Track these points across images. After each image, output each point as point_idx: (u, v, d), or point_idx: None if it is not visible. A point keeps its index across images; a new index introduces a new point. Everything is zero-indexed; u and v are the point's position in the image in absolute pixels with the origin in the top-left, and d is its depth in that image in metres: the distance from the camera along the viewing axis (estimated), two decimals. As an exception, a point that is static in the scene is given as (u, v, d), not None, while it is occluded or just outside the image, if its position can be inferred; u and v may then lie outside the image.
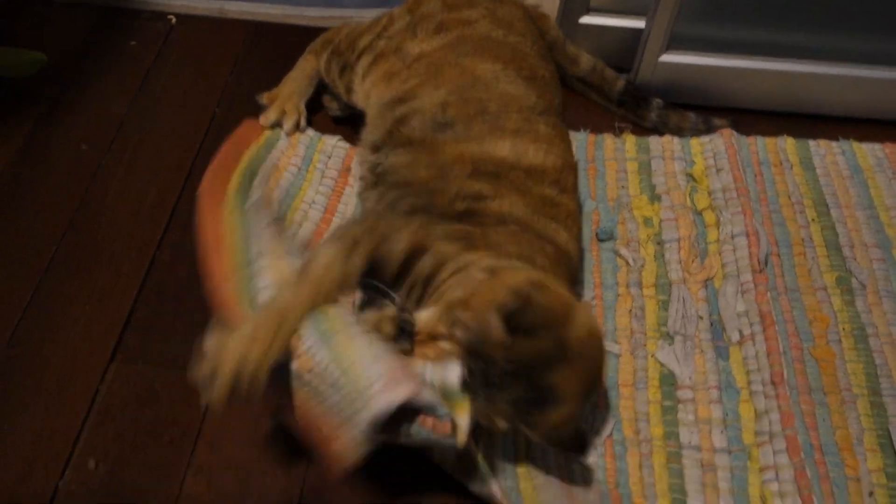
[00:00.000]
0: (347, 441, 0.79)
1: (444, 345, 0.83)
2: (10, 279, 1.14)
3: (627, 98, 1.36)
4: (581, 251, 1.06)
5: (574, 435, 0.87)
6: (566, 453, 0.90)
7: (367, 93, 1.18)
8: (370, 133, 1.14)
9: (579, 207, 1.09)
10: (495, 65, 1.11)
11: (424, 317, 0.85)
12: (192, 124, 1.36)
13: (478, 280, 0.84)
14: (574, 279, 1.03)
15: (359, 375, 0.78)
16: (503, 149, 1.02)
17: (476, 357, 0.80)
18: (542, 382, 0.80)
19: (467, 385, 0.81)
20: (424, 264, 0.89)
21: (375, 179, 1.09)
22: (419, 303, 0.90)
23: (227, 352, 0.78)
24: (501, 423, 0.83)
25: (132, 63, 1.46)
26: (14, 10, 1.54)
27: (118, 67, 1.45)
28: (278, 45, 1.48)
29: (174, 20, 1.54)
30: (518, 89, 1.10)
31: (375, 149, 1.11)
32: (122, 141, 1.33)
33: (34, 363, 1.06)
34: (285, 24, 1.53)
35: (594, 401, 1.01)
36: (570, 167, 1.09)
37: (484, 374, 0.79)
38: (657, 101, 1.35)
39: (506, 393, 0.80)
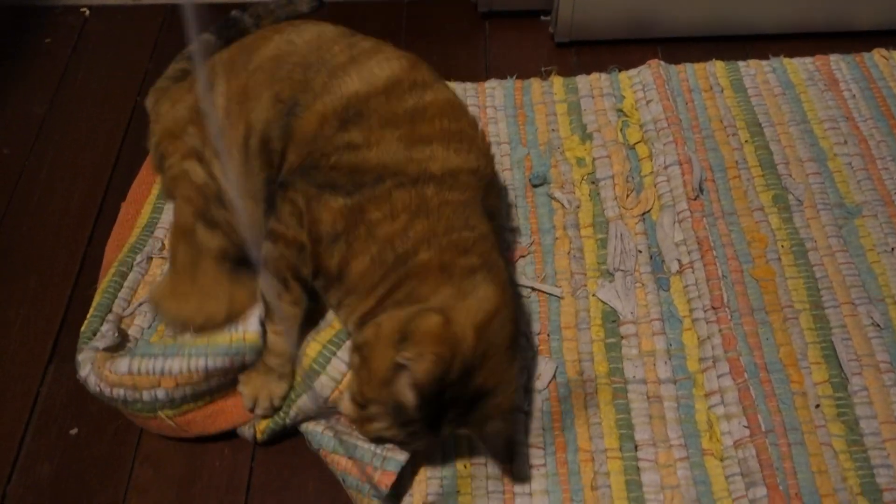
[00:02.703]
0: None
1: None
2: (-61, 291, 1.13)
3: (232, 22, 1.32)
4: (473, 145, 0.96)
5: (507, 443, 0.88)
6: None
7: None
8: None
9: (452, 91, 1.02)
10: (271, 39, 1.04)
11: (345, 405, 0.86)
12: (114, 116, 1.34)
13: (356, 365, 0.83)
14: (481, 184, 0.94)
15: None
16: (353, 82, 0.96)
17: (399, 423, 0.81)
18: (467, 392, 0.80)
19: None
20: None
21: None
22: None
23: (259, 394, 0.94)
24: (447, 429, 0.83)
25: (48, 60, 1.42)
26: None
27: (35, 67, 1.42)
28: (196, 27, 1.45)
29: (88, 12, 1.50)
30: (309, 30, 1.03)
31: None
32: (44, 141, 1.31)
33: (-30, 372, 1.05)
34: (202, 4, 1.48)
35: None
36: (414, 59, 1.01)
37: (412, 430, 0.81)
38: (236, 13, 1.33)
39: (448, 413, 0.80)
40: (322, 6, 1.48)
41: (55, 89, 1.38)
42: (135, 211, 1.14)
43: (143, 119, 1.31)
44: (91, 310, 1.03)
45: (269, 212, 0.98)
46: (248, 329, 0.91)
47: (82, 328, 1.01)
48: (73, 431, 1.00)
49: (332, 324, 0.97)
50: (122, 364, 0.91)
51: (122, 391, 0.91)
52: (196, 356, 0.90)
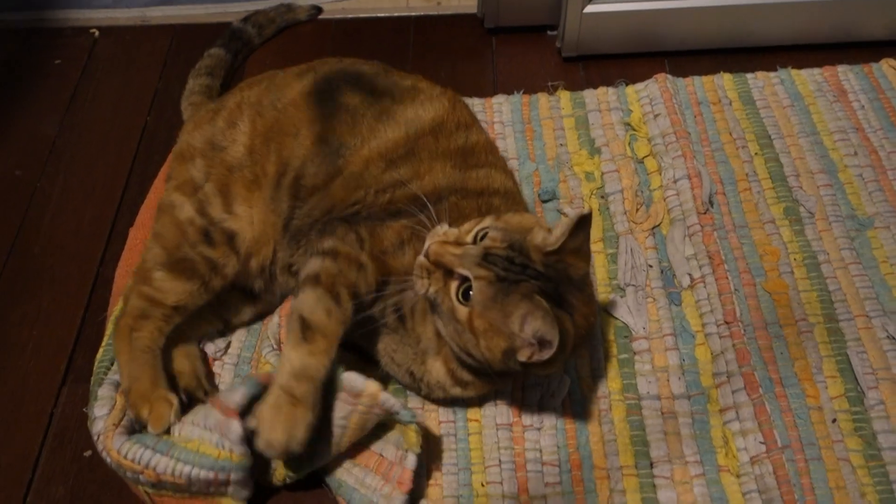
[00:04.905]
0: None
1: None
2: (-47, 313, 1.13)
3: (236, 34, 1.42)
4: (512, 175, 1.04)
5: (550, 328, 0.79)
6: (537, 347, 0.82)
7: (250, 217, 1.02)
8: (267, 240, 1.03)
9: (488, 136, 1.06)
10: (304, 77, 1.06)
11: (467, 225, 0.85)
12: (124, 135, 1.34)
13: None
14: (525, 207, 1.01)
15: None
16: (399, 127, 1.00)
17: (515, 251, 0.81)
18: (563, 294, 0.82)
19: None
20: (391, 290, 0.90)
21: (293, 235, 1.00)
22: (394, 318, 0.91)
23: (276, 426, 0.83)
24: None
25: (58, 81, 1.43)
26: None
27: (44, 88, 1.43)
28: (204, 46, 1.45)
29: (97, 33, 1.51)
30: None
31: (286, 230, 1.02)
32: (55, 161, 1.32)
33: (-17, 395, 1.05)
34: (209, 24, 1.50)
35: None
36: (452, 97, 1.05)
37: (519, 265, 0.81)
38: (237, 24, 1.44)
39: (529, 284, 0.80)
40: (320, 13, 1.50)
41: (65, 110, 1.39)
42: (143, 236, 1.14)
43: (152, 139, 1.33)
44: (105, 338, 1.03)
45: (292, 236, 1.00)
46: (235, 449, 0.87)
47: (98, 356, 1.01)
48: (87, 453, 1.00)
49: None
50: (117, 441, 0.90)
51: (110, 459, 0.91)
52: (183, 462, 0.88)
